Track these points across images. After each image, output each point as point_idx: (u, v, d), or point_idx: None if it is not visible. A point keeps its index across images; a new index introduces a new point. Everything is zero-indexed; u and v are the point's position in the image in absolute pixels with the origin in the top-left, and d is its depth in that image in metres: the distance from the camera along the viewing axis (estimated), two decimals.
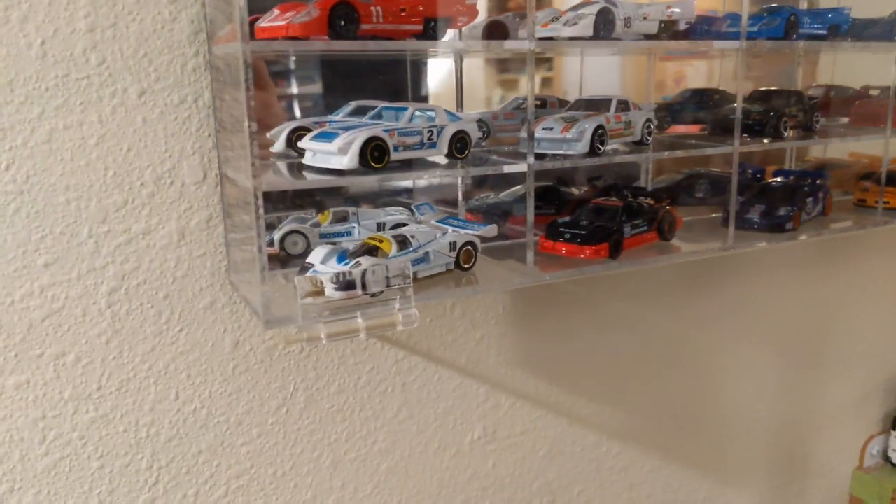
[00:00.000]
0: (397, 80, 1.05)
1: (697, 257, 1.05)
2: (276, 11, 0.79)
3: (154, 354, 0.93)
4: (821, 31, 1.12)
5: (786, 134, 1.12)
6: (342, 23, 0.77)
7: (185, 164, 0.90)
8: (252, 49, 0.72)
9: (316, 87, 1.04)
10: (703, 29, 1.09)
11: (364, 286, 0.82)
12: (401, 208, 1.06)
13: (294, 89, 1.04)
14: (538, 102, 1.12)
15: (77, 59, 0.83)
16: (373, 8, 0.79)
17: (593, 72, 1.21)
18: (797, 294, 1.45)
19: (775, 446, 1.53)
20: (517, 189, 1.15)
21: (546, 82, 1.21)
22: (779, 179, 1.24)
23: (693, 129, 1.23)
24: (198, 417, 0.97)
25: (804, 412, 1.55)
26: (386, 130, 0.84)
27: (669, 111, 1.22)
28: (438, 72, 1.08)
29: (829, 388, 1.57)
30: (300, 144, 0.86)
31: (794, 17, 1.07)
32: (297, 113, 1.02)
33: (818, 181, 1.24)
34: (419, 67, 1.08)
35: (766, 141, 1.10)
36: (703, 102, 1.22)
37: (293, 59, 1.01)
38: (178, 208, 0.91)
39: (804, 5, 1.35)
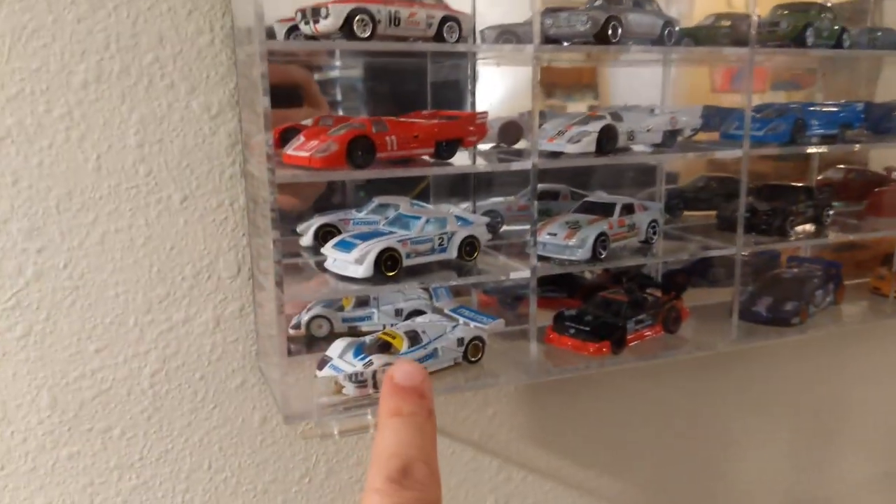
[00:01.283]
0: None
1: (697, 354, 1.10)
2: (301, 138, 0.88)
3: (190, 429, 1.03)
4: (831, 132, 1.16)
5: (791, 232, 1.15)
6: (360, 153, 0.85)
7: (222, 260, 1.00)
8: (278, 179, 0.81)
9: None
10: (715, 125, 1.14)
11: (375, 385, 0.90)
12: (419, 291, 1.14)
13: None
14: (551, 194, 1.19)
15: (127, 170, 0.94)
16: (387, 138, 0.87)
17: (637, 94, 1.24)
18: (809, 377, 1.47)
19: None
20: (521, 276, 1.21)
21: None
22: (792, 269, 1.27)
23: (709, 214, 1.27)
24: (228, 485, 1.07)
25: (819, 489, 1.56)
26: (399, 241, 0.93)
27: (682, 198, 1.26)
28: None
29: (846, 466, 1.57)
30: (323, 251, 0.94)
31: (800, 121, 1.10)
32: None
33: (832, 270, 1.26)
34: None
35: (770, 239, 1.14)
36: (716, 190, 1.26)
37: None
38: (215, 299, 1.01)
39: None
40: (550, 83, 1.22)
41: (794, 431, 1.49)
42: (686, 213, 1.26)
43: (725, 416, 1.41)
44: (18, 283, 0.92)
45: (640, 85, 1.26)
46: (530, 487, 1.25)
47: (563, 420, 1.26)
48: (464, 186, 1.17)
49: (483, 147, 1.09)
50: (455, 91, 1.12)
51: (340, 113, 1.09)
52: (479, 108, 1.08)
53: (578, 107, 1.23)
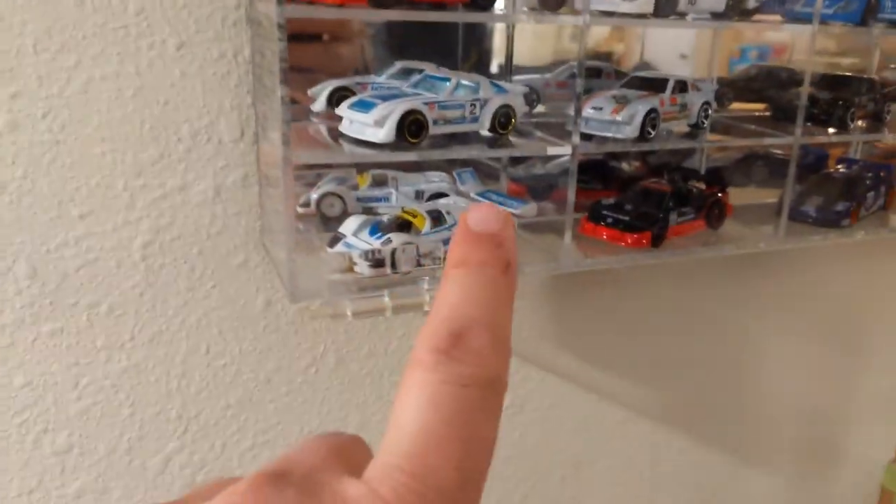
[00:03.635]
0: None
1: (741, 251, 1.00)
2: None
3: (186, 309, 0.94)
4: None
5: (852, 125, 1.05)
6: None
7: (223, 120, 0.88)
8: (289, 14, 0.69)
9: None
10: (776, 3, 1.01)
11: (394, 264, 0.80)
12: (441, 174, 1.03)
13: None
14: (593, 71, 1.07)
15: (115, 7, 0.81)
16: None
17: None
18: (849, 285, 1.39)
19: (806, 434, 1.49)
20: (564, 160, 1.10)
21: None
22: (841, 168, 1.17)
23: (757, 107, 1.16)
24: (227, 372, 0.98)
25: (839, 401, 1.51)
26: (426, 103, 0.81)
27: (733, 87, 1.15)
28: None
29: (869, 379, 1.51)
30: (337, 111, 0.83)
31: (874, 1, 0.98)
32: None
33: (882, 173, 1.16)
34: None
35: (830, 132, 1.03)
36: (769, 81, 1.14)
37: None
38: (215, 165, 0.89)
39: None
40: None
41: (821, 345, 1.42)
42: (735, 103, 1.15)
43: (754, 323, 1.33)
44: None
45: None
46: (548, 388, 1.18)
47: (586, 320, 1.17)
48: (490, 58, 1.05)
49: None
50: None
51: None
52: None
53: None
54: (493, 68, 1.03)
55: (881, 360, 1.51)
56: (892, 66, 1.28)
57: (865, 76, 1.14)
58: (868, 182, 1.14)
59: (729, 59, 1.20)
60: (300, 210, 0.96)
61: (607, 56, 1.12)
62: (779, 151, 1.21)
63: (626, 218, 0.94)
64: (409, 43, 1.00)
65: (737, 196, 1.12)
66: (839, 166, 1.21)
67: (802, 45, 1.23)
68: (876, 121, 1.13)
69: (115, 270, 0.89)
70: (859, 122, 1.10)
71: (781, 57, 1.23)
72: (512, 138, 0.89)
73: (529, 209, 0.93)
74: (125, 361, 0.93)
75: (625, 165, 1.13)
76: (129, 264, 0.90)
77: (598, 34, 1.09)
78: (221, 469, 1.02)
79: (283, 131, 0.71)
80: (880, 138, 1.21)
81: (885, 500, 1.62)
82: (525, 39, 1.03)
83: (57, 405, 0.92)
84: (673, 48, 1.18)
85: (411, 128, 0.80)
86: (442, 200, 0.94)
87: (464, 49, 1.03)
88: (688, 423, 1.34)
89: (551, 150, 0.86)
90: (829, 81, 1.11)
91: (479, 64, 1.03)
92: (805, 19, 0.97)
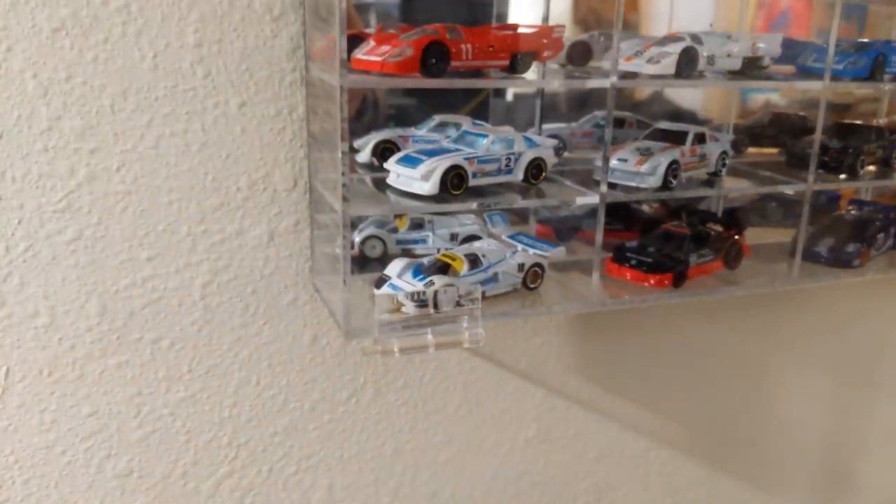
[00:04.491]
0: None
1: (758, 291, 1.07)
2: (371, 43, 0.83)
3: (240, 343, 1.01)
4: None
5: (862, 171, 1.11)
6: (434, 61, 0.81)
7: (278, 171, 0.96)
8: (349, 83, 0.77)
9: None
10: (788, 57, 1.09)
11: (436, 305, 0.87)
12: (473, 217, 1.11)
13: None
14: (617, 121, 1.14)
15: (185, 71, 0.90)
16: (463, 46, 0.82)
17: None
18: (861, 322, 1.45)
19: (823, 464, 1.54)
20: (588, 203, 1.18)
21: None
22: (852, 210, 1.24)
23: (771, 151, 1.23)
24: (276, 402, 1.05)
25: (855, 433, 1.55)
26: (466, 158, 0.89)
27: (748, 133, 1.22)
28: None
29: (882, 411, 1.56)
30: (386, 166, 0.91)
31: (881, 57, 1.05)
32: None
33: (892, 215, 1.22)
34: None
35: (841, 177, 1.10)
36: (782, 127, 1.21)
37: None
38: (269, 212, 0.97)
39: None
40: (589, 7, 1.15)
41: (835, 379, 1.47)
42: (750, 149, 1.22)
43: (771, 357, 1.39)
44: (70, 185, 0.89)
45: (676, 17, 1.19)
46: (573, 418, 1.24)
47: (609, 353, 1.24)
48: (523, 108, 1.12)
49: (551, 66, 1.03)
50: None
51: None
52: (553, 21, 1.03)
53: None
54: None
55: (893, 393, 1.56)
56: None
57: (874, 124, 1.21)
58: (878, 224, 1.20)
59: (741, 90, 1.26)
60: (339, 251, 1.03)
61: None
62: (791, 193, 1.27)
63: (649, 260, 1.00)
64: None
65: (752, 235, 1.19)
66: (850, 208, 1.27)
67: (812, 93, 1.30)
68: (885, 166, 1.19)
69: (177, 308, 0.97)
70: (869, 168, 1.16)
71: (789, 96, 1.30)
72: (543, 186, 0.97)
73: (559, 252, 1.00)
74: (183, 392, 1.01)
75: (645, 208, 1.20)
76: (190, 303, 0.97)
77: None
78: (268, 493, 1.09)
79: (342, 189, 0.79)
80: (889, 184, 1.26)
81: None
82: None
83: (120, 432, 1.00)
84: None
85: (454, 181, 0.87)
86: (476, 243, 1.01)
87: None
88: (707, 454, 1.39)
89: (580, 201, 0.93)
90: (839, 130, 1.17)
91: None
92: (816, 74, 1.04)
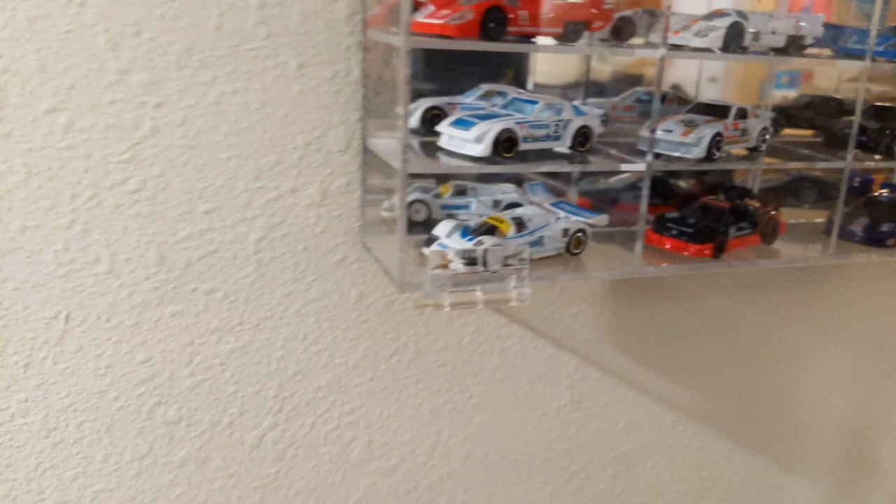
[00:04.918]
0: None
1: (796, 265, 1.09)
2: (431, 7, 0.86)
3: (289, 299, 1.05)
4: None
5: None
6: (492, 25, 0.84)
7: (332, 133, 1.00)
8: (412, 44, 0.80)
9: None
10: (829, 41, 1.11)
11: (485, 263, 0.90)
12: (512, 185, 1.14)
13: None
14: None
15: (247, 31, 0.93)
16: (520, 12, 0.85)
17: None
18: (891, 301, 1.47)
19: (847, 445, 1.56)
20: (626, 176, 1.20)
21: None
22: (885, 193, 1.26)
23: (807, 133, 1.25)
24: (321, 357, 1.09)
25: (880, 416, 1.57)
26: (518, 122, 0.92)
27: (785, 115, 1.24)
28: None
29: None
30: (438, 128, 0.94)
31: None
32: None
33: None
34: None
35: (877, 158, 1.12)
36: (818, 110, 1.23)
37: None
38: (323, 172, 1.01)
39: None
40: None
41: (864, 361, 1.49)
42: (786, 130, 1.24)
43: (803, 337, 1.41)
44: (135, 137, 0.93)
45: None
46: (604, 387, 1.27)
47: (642, 325, 1.27)
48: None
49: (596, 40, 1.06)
50: None
51: None
52: None
53: None
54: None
55: None
56: None
57: None
58: None
59: (761, 84, 1.29)
60: (385, 214, 1.07)
61: (640, 78, 1.21)
62: (822, 175, 1.30)
63: (690, 230, 1.03)
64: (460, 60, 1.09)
65: (785, 216, 1.21)
66: (883, 191, 1.29)
67: (847, 76, 1.32)
68: None
69: (231, 261, 1.01)
70: None
71: (809, 82, 1.32)
72: (588, 156, 0.99)
73: (601, 219, 1.03)
74: (233, 343, 1.04)
75: (682, 183, 1.23)
76: (244, 257, 1.01)
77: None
78: (309, 446, 1.13)
79: (403, 145, 0.82)
80: None
81: None
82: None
83: (171, 380, 1.04)
84: (703, 71, 1.26)
85: (505, 144, 0.90)
86: (519, 209, 1.04)
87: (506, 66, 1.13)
88: (733, 429, 1.42)
89: (626, 167, 0.96)
90: (876, 111, 1.19)
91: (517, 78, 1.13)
92: (857, 55, 1.06)
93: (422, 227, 1.06)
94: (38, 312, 0.96)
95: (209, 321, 1.02)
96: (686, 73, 1.24)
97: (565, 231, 0.99)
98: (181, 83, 0.92)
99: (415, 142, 1.01)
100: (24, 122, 0.89)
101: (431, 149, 0.95)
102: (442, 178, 1.12)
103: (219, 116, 0.95)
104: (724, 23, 0.95)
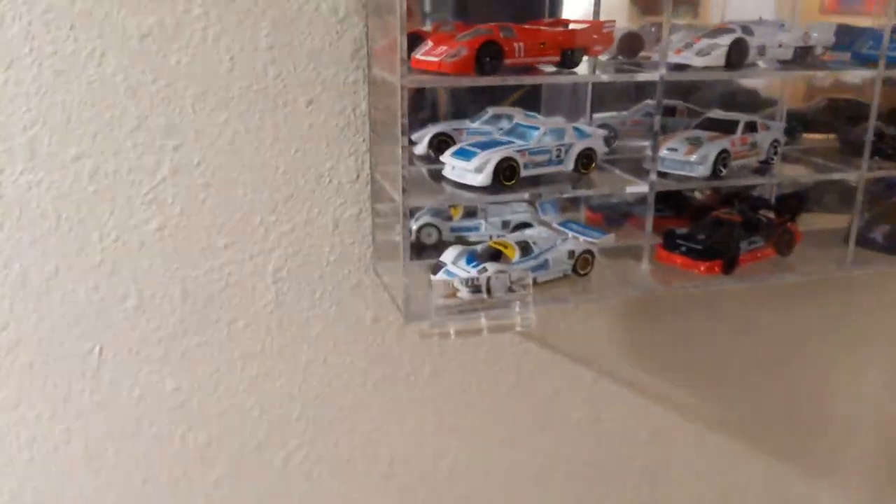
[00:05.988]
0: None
1: (807, 278, 1.08)
2: (429, 43, 0.88)
3: (308, 325, 1.09)
4: None
5: None
6: (488, 59, 0.85)
7: (342, 164, 1.03)
8: (409, 83, 0.83)
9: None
10: (843, 46, 1.09)
11: (489, 290, 0.93)
12: (524, 205, 1.15)
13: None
14: (668, 110, 1.16)
15: (258, 72, 0.97)
16: (515, 44, 0.87)
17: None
18: None
19: (879, 450, 1.54)
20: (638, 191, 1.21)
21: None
22: None
23: (828, 137, 1.23)
24: (341, 380, 1.13)
25: None
26: (518, 150, 0.93)
27: (802, 120, 1.22)
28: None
29: None
30: (442, 159, 0.96)
31: None
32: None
33: None
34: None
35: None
36: (837, 113, 1.21)
37: None
38: (335, 203, 1.04)
39: None
40: None
41: (891, 363, 1.46)
42: (805, 135, 1.23)
43: (824, 345, 1.39)
44: (156, 179, 0.97)
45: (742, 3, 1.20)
46: (623, 400, 1.28)
47: (659, 338, 1.27)
48: (574, 99, 1.16)
49: (601, 59, 1.07)
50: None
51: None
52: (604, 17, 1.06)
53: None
54: None
55: None
56: None
57: None
58: None
59: None
60: (397, 238, 1.09)
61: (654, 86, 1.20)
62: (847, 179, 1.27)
63: (699, 247, 1.03)
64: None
65: (807, 221, 1.20)
66: None
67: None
68: None
69: (251, 292, 1.05)
70: None
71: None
72: (593, 175, 1.00)
73: (607, 239, 1.04)
74: (257, 369, 1.09)
75: (697, 194, 1.23)
76: (263, 287, 1.05)
77: None
78: (334, 463, 1.17)
79: (402, 181, 0.85)
80: None
81: None
82: None
83: (200, 408, 1.09)
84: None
85: (506, 172, 0.92)
86: (527, 231, 1.06)
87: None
88: (757, 438, 1.41)
89: (630, 189, 0.96)
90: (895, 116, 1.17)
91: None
92: (871, 61, 1.04)
93: (433, 249, 1.08)
94: (74, 347, 1.02)
95: (233, 349, 1.07)
96: None
97: (571, 253, 1.01)
98: (197, 125, 0.97)
99: (423, 169, 1.04)
100: (53, 171, 0.94)
101: (439, 175, 0.98)
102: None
103: (234, 154, 0.99)
104: (726, 40, 0.95)
